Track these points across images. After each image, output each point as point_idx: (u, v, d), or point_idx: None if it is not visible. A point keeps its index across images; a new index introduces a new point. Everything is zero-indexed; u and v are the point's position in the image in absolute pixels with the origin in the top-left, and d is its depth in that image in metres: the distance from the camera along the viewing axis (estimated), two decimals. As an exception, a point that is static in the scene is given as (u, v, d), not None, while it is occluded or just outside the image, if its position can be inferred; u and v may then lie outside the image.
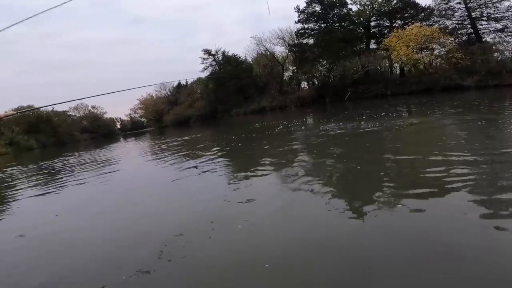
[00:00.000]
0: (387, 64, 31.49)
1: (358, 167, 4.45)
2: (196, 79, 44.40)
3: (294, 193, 3.68)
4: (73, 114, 49.38)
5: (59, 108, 41.42)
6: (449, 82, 22.23)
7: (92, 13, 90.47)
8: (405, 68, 28.14)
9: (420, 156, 4.39)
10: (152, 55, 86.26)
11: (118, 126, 62.42)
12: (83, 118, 50.44)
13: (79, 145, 29.75)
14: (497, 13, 25.99)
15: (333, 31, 31.23)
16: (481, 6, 26.37)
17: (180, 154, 9.24)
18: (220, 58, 37.41)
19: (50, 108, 38.35)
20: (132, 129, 58.12)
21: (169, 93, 51.76)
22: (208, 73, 38.39)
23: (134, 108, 59.95)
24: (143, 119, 60.91)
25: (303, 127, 12.24)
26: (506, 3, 25.33)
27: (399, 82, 26.83)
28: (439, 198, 2.86)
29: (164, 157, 8.93)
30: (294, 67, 36.19)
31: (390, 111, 12.88)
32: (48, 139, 37.37)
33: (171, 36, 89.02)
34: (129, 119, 63.49)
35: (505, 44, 24.83)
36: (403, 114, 12.02)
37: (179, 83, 46.56)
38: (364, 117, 11.46)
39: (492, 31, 26.74)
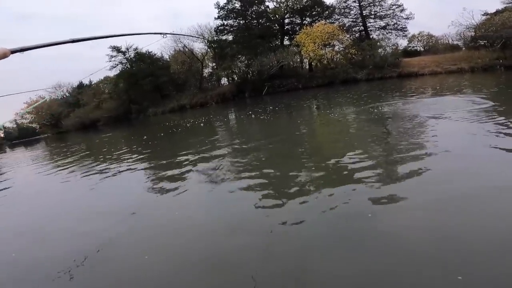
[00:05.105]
0: (298, 60, 34.21)
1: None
2: (102, 78, 39.34)
3: (212, 193, 3.53)
4: None
5: None
6: (346, 76, 25.73)
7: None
8: (312, 63, 31.05)
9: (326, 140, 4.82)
10: (44, 53, 72.25)
11: (1, 135, 50.62)
12: None
13: None
14: (381, 11, 31.21)
15: (251, 27, 32.11)
16: (371, 4, 31.23)
17: (90, 160, 8.00)
18: (132, 55, 34.00)
19: None
20: (20, 137, 48.54)
21: (67, 94, 44.25)
22: (118, 71, 34.49)
23: (21, 113, 49.26)
24: (34, 125, 50.97)
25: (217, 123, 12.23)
26: (389, 1, 30.53)
27: (308, 76, 29.58)
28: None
29: (68, 166, 7.58)
30: (214, 64, 35.72)
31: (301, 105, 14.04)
32: None
33: (67, 33, 76.21)
34: (14, 125, 52.08)
35: (386, 40, 29.90)
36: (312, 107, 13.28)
37: (81, 83, 40.36)
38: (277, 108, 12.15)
39: (377, 28, 32.04)
